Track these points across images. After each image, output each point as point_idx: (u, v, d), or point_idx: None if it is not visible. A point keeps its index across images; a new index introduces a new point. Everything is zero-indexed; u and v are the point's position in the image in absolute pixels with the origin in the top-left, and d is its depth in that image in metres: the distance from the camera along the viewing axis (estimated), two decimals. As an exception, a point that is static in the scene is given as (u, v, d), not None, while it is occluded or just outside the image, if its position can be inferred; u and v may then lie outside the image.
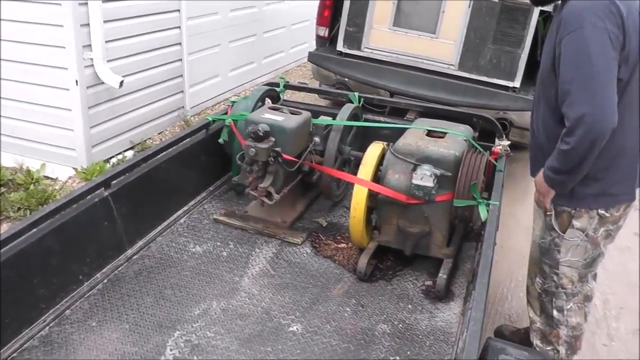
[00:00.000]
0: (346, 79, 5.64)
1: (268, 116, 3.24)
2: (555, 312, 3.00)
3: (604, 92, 2.36)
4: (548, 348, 3.08)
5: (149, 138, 5.88)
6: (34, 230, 2.56)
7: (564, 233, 2.78)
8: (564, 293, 2.94)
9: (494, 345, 2.17)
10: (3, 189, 4.97)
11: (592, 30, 2.34)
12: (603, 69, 2.36)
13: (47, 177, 5.31)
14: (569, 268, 2.86)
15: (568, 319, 3.00)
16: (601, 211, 2.70)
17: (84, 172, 5.09)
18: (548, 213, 2.82)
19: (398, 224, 3.06)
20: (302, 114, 3.36)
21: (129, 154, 5.55)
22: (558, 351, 3.06)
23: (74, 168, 5.19)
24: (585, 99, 2.36)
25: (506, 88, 5.06)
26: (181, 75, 6.31)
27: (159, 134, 6.07)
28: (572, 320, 3.01)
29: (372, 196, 3.07)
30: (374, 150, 3.14)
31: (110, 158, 5.44)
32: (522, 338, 3.37)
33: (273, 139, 3.13)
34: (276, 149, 3.13)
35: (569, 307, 2.97)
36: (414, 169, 2.95)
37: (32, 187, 5.00)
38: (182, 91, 6.40)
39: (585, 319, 3.07)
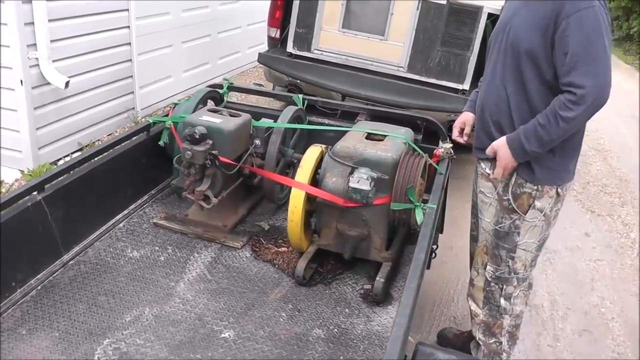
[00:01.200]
0: (298, 81, 5.61)
1: (206, 118, 3.20)
2: (502, 301, 3.08)
3: (608, 67, 2.53)
4: (491, 341, 3.14)
5: (98, 140, 5.78)
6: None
7: (525, 214, 2.88)
8: (516, 278, 3.03)
9: (422, 350, 2.17)
10: (-56, 192, 4.84)
11: (601, 10, 2.51)
12: (608, 46, 2.53)
13: (-8, 180, 5.19)
14: (524, 251, 2.96)
15: (514, 307, 3.08)
16: (559, 189, 2.83)
17: (30, 175, 4.98)
18: (504, 198, 2.89)
19: (337, 228, 3.03)
20: (242, 116, 3.32)
21: (77, 155, 5.44)
22: (501, 343, 3.11)
23: (20, 170, 5.07)
24: (596, 72, 2.50)
25: (455, 90, 5.09)
26: (131, 76, 6.22)
27: (108, 135, 5.98)
28: (517, 309, 3.09)
29: (311, 199, 3.04)
30: (312, 153, 3.12)
31: (58, 160, 5.34)
32: (464, 341, 3.39)
33: (210, 142, 3.08)
34: (213, 151, 3.08)
35: (516, 294, 3.06)
36: (352, 172, 2.93)
37: (-25, 190, 4.89)
38: (132, 92, 6.31)
39: (526, 306, 3.18)
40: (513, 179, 2.85)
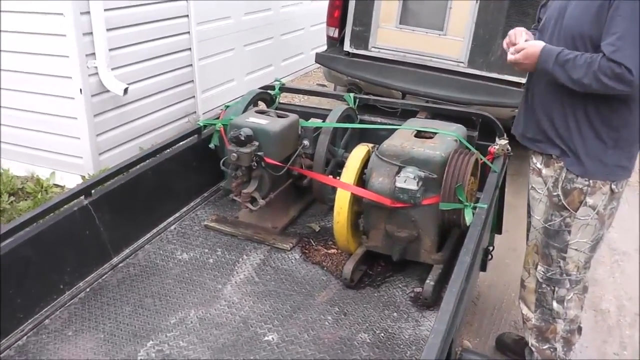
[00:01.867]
0: (357, 80, 5.54)
1: (252, 120, 3.17)
2: (555, 304, 2.93)
3: None
4: (544, 347, 2.99)
5: (156, 144, 5.85)
6: (9, 240, 2.53)
7: (576, 211, 2.73)
8: (568, 280, 2.88)
9: (466, 357, 2.06)
10: (12, 198, 5.00)
11: None
12: None
13: (56, 185, 5.33)
14: (576, 251, 2.81)
15: (567, 311, 2.93)
16: (613, 186, 2.67)
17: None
18: (554, 194, 2.76)
19: (385, 229, 2.95)
20: (289, 117, 3.28)
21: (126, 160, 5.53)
22: (555, 349, 2.96)
23: (81, 176, 5.19)
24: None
25: (519, 84, 4.90)
26: (192, 81, 6.28)
27: (165, 139, 6.04)
28: (571, 313, 2.94)
29: (358, 200, 2.97)
30: (359, 152, 3.04)
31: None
32: (523, 347, 3.24)
33: (256, 143, 3.06)
34: (259, 153, 3.05)
35: (569, 297, 2.91)
36: (399, 172, 2.84)
37: (40, 195, 5.02)
38: (194, 96, 6.36)
39: (582, 310, 3.01)
40: (563, 174, 2.71)
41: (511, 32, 2.81)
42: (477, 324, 3.68)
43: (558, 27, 2.64)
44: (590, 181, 2.66)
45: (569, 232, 2.78)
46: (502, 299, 3.96)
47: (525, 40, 2.69)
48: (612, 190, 2.68)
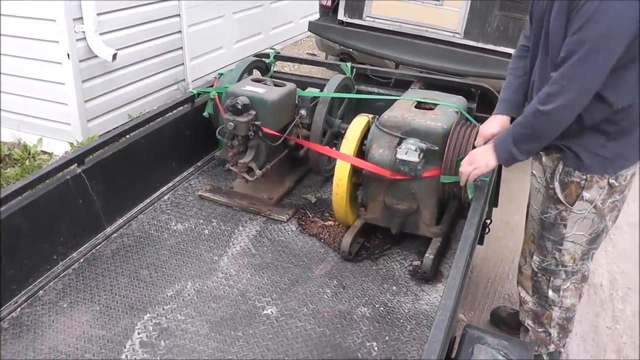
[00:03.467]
0: (350, 50, 5.45)
1: (249, 88, 3.10)
2: (550, 292, 2.86)
3: (595, 83, 2.27)
4: (540, 330, 2.95)
5: (148, 111, 5.74)
6: (0, 209, 2.46)
7: (572, 205, 2.62)
8: (564, 271, 2.80)
9: (471, 334, 2.04)
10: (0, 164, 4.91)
11: (622, 5, 2.13)
12: (608, 58, 2.21)
13: (44, 152, 5.24)
14: (573, 244, 2.71)
15: (563, 299, 2.86)
16: (612, 180, 2.54)
17: (78, 147, 4.99)
18: (550, 187, 2.65)
19: (384, 201, 2.91)
20: (286, 86, 3.21)
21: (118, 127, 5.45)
22: (550, 334, 2.92)
23: (69, 143, 5.10)
24: (581, 81, 2.26)
25: (514, 57, 4.85)
26: (181, 48, 6.16)
27: (158, 107, 5.93)
28: (567, 302, 2.87)
29: (357, 172, 2.92)
30: (358, 123, 2.99)
31: (108, 132, 5.32)
32: (518, 321, 3.22)
33: (253, 112, 2.99)
34: (256, 122, 2.99)
35: (566, 286, 2.84)
36: (399, 143, 2.79)
37: (27, 162, 4.93)
38: (183, 64, 6.25)
39: (579, 299, 2.93)
40: (561, 166, 2.59)
41: (482, 130, 2.78)
42: (471, 297, 3.67)
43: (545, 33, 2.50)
44: (587, 175, 2.54)
45: (565, 225, 2.67)
46: (496, 272, 3.96)
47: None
48: (610, 185, 2.55)
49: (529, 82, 2.68)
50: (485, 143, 2.68)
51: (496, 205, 3.51)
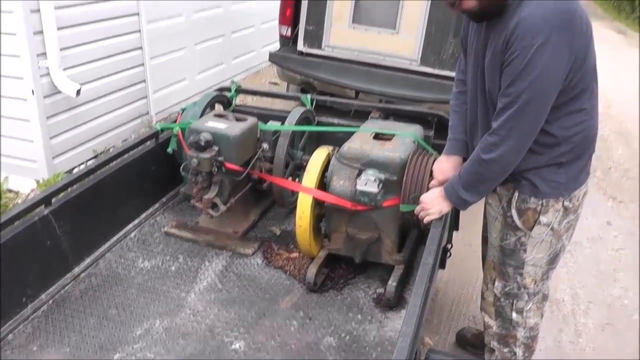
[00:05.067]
0: (311, 79, 5.54)
1: (211, 124, 3.16)
2: (514, 315, 2.93)
3: (535, 129, 2.40)
4: (505, 350, 3.02)
5: (113, 146, 5.77)
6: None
7: (530, 230, 2.70)
8: (526, 293, 2.87)
9: (433, 358, 2.11)
10: (-37, 205, 4.88)
11: (561, 46, 2.25)
12: (546, 104, 2.35)
13: (10, 191, 5.21)
14: (533, 267, 2.79)
15: (527, 320, 2.93)
16: (566, 202, 2.64)
17: (44, 184, 4.99)
18: (508, 215, 2.74)
19: (347, 231, 2.99)
20: (248, 120, 3.28)
21: (84, 167, 5.44)
22: (515, 353, 3.00)
23: (35, 180, 5.09)
24: (520, 130, 2.38)
25: (470, 82, 4.97)
26: (144, 80, 6.20)
27: (123, 141, 5.96)
28: (531, 321, 2.94)
29: (319, 203, 3.00)
30: (319, 156, 3.07)
31: (73, 168, 5.33)
32: (483, 341, 3.30)
33: (216, 148, 3.05)
34: (219, 158, 3.05)
35: (528, 307, 2.91)
36: (359, 174, 2.87)
37: (-8, 202, 4.91)
38: (146, 96, 6.28)
39: (542, 317, 3.01)
40: (516, 194, 2.67)
41: (436, 171, 2.87)
42: (436, 321, 3.75)
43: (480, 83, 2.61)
44: (543, 200, 2.62)
45: (525, 250, 2.74)
46: (460, 295, 4.04)
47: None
48: (565, 207, 2.64)
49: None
50: (440, 183, 2.76)
51: (457, 229, 3.60)
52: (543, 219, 2.66)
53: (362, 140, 3.06)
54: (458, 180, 2.60)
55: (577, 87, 2.41)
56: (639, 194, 5.84)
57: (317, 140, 3.67)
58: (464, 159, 2.77)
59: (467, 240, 4.35)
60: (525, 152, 2.45)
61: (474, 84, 2.66)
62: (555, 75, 2.29)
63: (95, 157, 5.54)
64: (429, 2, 4.86)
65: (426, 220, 2.69)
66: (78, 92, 4.99)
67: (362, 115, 3.83)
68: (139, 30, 6.00)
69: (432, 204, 2.67)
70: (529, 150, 2.47)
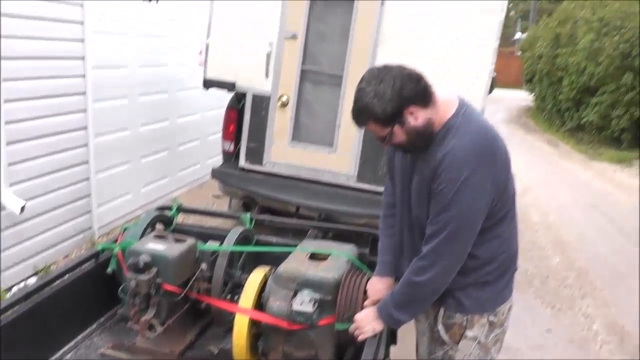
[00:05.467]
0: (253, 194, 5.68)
1: (150, 246, 3.22)
2: None
3: (464, 253, 2.55)
4: None
5: (54, 263, 5.74)
6: None
7: (457, 344, 2.80)
8: None
9: None
10: None
11: (476, 184, 2.43)
12: (473, 231, 2.52)
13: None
14: None
15: None
16: (491, 317, 2.76)
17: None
18: (435, 330, 2.85)
19: (284, 350, 3.03)
20: (187, 242, 3.35)
21: (32, 280, 5.39)
22: None
23: (-27, 298, 5.01)
24: (449, 255, 2.53)
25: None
26: (89, 195, 6.24)
27: (64, 257, 5.94)
28: None
29: (256, 323, 3.05)
30: (256, 276, 3.16)
31: (12, 286, 5.27)
32: None
33: (155, 270, 3.11)
34: (157, 280, 3.10)
35: None
36: (295, 295, 2.96)
37: None
38: (90, 211, 6.31)
39: None
40: (442, 311, 2.79)
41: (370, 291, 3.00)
42: None
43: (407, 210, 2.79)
44: (468, 316, 2.74)
45: None
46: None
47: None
48: (490, 322, 2.75)
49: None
50: (374, 303, 2.86)
51: (394, 343, 3.67)
52: (469, 333, 2.77)
53: (297, 261, 3.16)
54: (390, 301, 2.71)
55: (500, 213, 2.60)
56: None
57: (256, 258, 3.75)
58: (397, 279, 2.89)
59: (410, 351, 4.41)
60: (456, 272, 2.59)
61: (402, 209, 2.83)
62: (480, 206, 2.48)
63: (36, 274, 5.49)
64: (365, 122, 5.11)
65: (360, 338, 2.77)
66: (22, 208, 5.01)
67: (301, 232, 3.96)
68: (86, 145, 6.09)
69: (366, 322, 2.77)
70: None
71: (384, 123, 2.47)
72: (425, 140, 2.53)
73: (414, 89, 2.45)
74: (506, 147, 2.59)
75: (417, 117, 2.47)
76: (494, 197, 2.51)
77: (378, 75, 2.44)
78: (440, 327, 2.82)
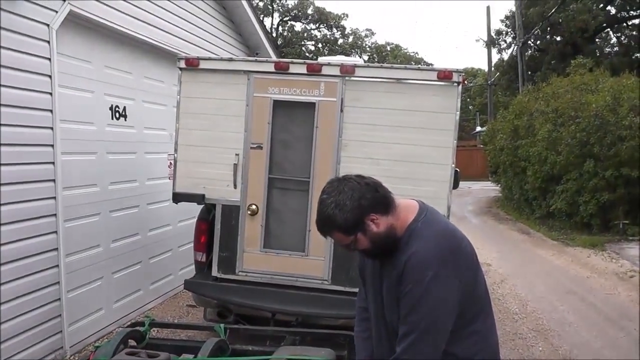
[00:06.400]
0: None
1: (123, 365, 3.21)
2: None
3: (437, 351, 2.55)
4: None
5: (24, 388, 5.59)
6: None
7: None
8: None
9: None
10: None
11: (442, 284, 2.48)
12: (444, 329, 2.55)
13: None
14: None
15: None
16: None
17: None
18: None
19: None
20: (159, 357, 3.34)
21: None
22: None
23: None
24: (421, 356, 2.52)
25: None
26: (60, 315, 6.14)
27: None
28: None
29: None
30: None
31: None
32: None
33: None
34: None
35: None
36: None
37: None
38: (61, 331, 6.18)
39: None
40: None
41: None
42: None
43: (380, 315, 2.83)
44: None
45: None
46: None
47: None
48: None
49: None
50: None
51: None
52: None
53: (273, 370, 3.17)
54: None
55: (472, 309, 2.65)
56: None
57: (232, 368, 3.73)
58: None
59: None
60: None
61: (376, 310, 2.87)
62: (447, 305, 2.53)
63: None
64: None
65: None
66: (-10, 332, 4.92)
67: (279, 338, 3.95)
68: (57, 265, 6.05)
69: None
70: None
71: (346, 232, 2.56)
72: (389, 246, 2.62)
73: (372, 198, 2.56)
74: (472, 248, 2.68)
75: (378, 224, 2.57)
76: (463, 295, 2.56)
77: (338, 187, 2.56)
78: None
